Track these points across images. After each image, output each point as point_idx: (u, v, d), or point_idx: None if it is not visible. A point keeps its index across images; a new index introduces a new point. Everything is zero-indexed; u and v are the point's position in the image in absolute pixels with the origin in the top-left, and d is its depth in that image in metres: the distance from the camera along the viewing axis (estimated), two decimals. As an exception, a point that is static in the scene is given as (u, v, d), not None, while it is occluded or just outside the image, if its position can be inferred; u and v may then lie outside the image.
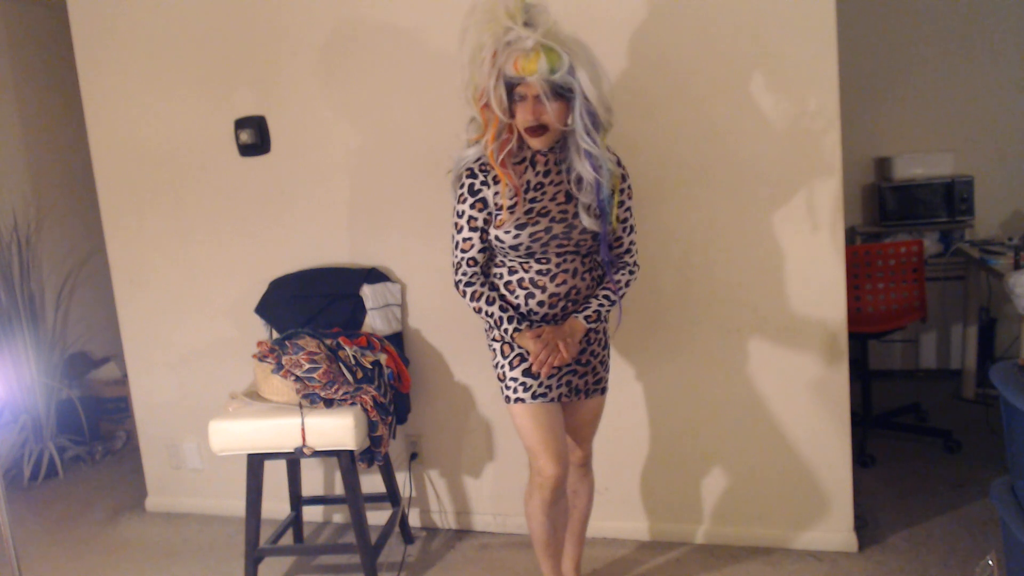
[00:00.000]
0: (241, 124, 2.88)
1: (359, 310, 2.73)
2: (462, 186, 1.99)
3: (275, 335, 2.83)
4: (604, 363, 2.15)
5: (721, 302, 2.52)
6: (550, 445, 2.02)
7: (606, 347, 2.15)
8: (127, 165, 3.08)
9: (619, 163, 2.03)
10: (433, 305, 2.81)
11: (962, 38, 4.14)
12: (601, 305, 2.03)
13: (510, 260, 2.01)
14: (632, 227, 2.09)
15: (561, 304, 2.01)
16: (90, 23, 3.03)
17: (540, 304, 2.00)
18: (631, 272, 2.09)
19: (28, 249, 3.92)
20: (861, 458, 3.14)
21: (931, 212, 4.07)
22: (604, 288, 2.06)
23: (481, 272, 2.04)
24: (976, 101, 4.15)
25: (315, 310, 2.78)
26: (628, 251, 2.10)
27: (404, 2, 2.65)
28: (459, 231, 2.01)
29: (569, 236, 1.96)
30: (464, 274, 2.03)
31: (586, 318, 2.01)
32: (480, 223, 1.98)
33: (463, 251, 2.01)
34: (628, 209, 2.06)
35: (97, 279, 4.24)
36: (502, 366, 2.05)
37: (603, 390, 2.16)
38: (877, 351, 4.19)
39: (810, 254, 2.43)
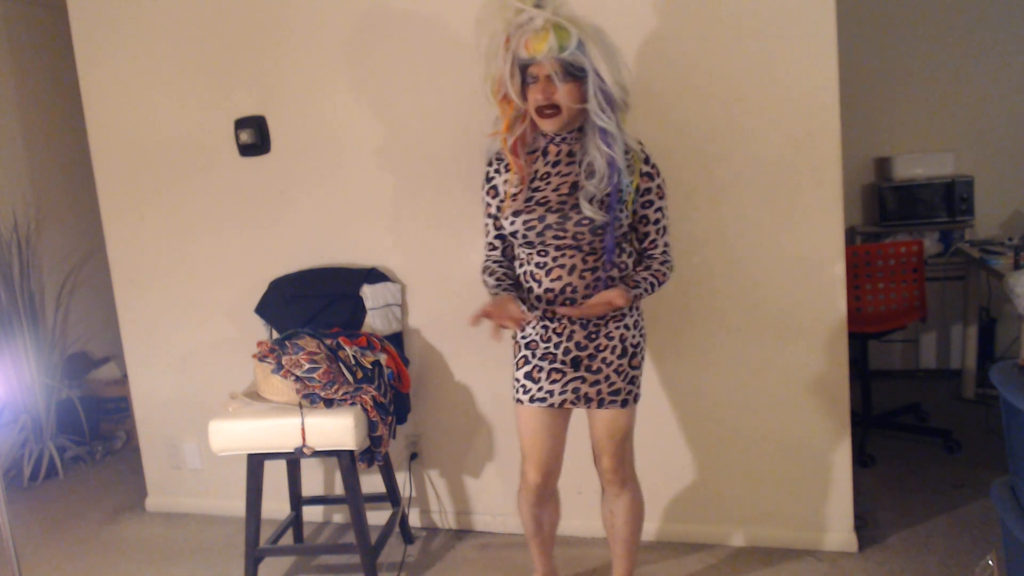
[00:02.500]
0: (241, 124, 2.88)
1: (359, 310, 2.73)
2: (485, 176, 2.07)
3: (275, 335, 2.83)
4: (622, 373, 2.00)
5: (721, 302, 2.52)
6: (535, 453, 2.07)
7: (625, 355, 1.99)
8: (127, 165, 3.08)
9: (648, 160, 1.97)
10: (433, 305, 2.81)
11: (962, 38, 4.14)
12: (647, 284, 1.95)
13: (521, 251, 2.03)
14: (666, 228, 2.01)
15: (558, 301, 1.96)
16: (90, 23, 3.03)
17: (538, 299, 1.98)
18: (670, 269, 2.02)
19: (28, 249, 3.92)
20: (861, 458, 3.14)
21: (931, 212, 4.06)
22: (652, 272, 1.97)
23: (504, 258, 2.09)
24: (976, 101, 4.15)
25: (315, 310, 2.77)
26: (665, 251, 2.01)
27: (404, 2, 2.65)
28: (484, 218, 2.09)
29: (564, 228, 1.90)
30: (486, 259, 2.10)
31: (634, 284, 1.93)
32: (493, 210, 2.06)
33: (485, 236, 2.10)
34: (659, 210, 1.98)
35: (97, 279, 4.24)
36: (513, 365, 2.08)
37: (623, 403, 2.01)
38: (877, 351, 4.18)
39: (810, 254, 2.43)
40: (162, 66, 2.96)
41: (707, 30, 2.39)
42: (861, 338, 3.34)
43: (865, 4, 4.17)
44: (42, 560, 2.95)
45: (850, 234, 4.25)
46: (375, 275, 2.77)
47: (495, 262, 2.08)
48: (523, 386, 2.03)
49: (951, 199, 4.02)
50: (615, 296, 1.89)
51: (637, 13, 2.43)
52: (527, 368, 2.02)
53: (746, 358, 2.53)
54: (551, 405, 2.02)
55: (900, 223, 4.12)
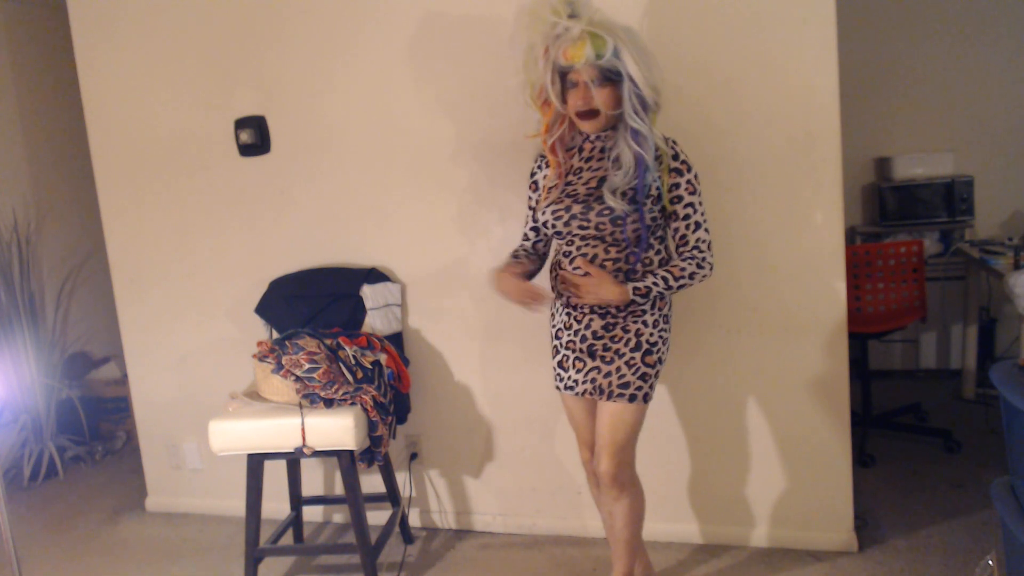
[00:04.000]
0: (241, 124, 2.88)
1: (359, 310, 2.73)
2: (530, 171, 2.21)
3: (275, 335, 2.83)
4: (633, 366, 2.01)
5: (721, 302, 2.52)
6: (580, 434, 2.22)
7: (638, 350, 2.01)
8: (127, 165, 3.08)
9: (676, 156, 1.99)
10: (433, 305, 2.81)
11: (962, 38, 4.14)
12: (655, 283, 1.96)
13: (554, 242, 2.15)
14: (697, 224, 2.00)
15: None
16: (90, 23, 3.03)
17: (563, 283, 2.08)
18: (699, 266, 2.00)
19: (28, 249, 3.92)
20: (861, 458, 3.14)
21: (931, 212, 4.07)
22: (666, 268, 1.99)
23: (534, 250, 2.22)
24: (976, 101, 4.15)
25: (315, 310, 2.78)
26: (696, 247, 2.01)
27: (401, 1, 2.65)
28: (526, 210, 2.23)
29: (587, 217, 1.97)
30: (519, 246, 2.23)
31: (635, 289, 1.94)
32: (532, 203, 2.19)
33: (524, 226, 2.23)
34: (690, 205, 1.99)
35: (97, 279, 4.25)
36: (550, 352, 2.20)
37: (630, 397, 2.01)
38: (877, 351, 4.18)
39: (810, 254, 2.43)
40: (162, 66, 2.96)
41: (706, 30, 2.39)
42: (861, 338, 3.35)
43: (865, 4, 4.17)
44: (42, 560, 2.95)
45: (850, 234, 4.25)
46: (375, 275, 2.77)
47: (524, 249, 2.22)
48: (557, 375, 2.15)
49: (951, 199, 4.02)
50: (608, 290, 1.95)
51: (635, 14, 2.43)
52: (558, 357, 2.14)
53: (746, 358, 2.53)
54: (576, 394, 2.11)
55: (900, 223, 4.12)
